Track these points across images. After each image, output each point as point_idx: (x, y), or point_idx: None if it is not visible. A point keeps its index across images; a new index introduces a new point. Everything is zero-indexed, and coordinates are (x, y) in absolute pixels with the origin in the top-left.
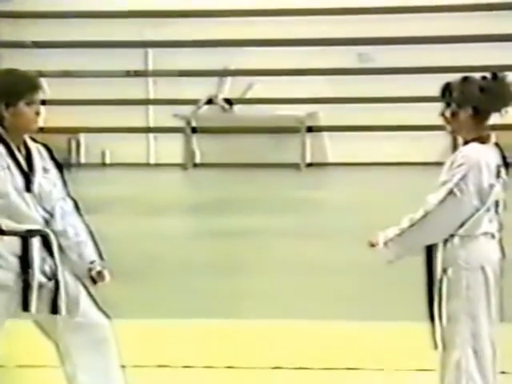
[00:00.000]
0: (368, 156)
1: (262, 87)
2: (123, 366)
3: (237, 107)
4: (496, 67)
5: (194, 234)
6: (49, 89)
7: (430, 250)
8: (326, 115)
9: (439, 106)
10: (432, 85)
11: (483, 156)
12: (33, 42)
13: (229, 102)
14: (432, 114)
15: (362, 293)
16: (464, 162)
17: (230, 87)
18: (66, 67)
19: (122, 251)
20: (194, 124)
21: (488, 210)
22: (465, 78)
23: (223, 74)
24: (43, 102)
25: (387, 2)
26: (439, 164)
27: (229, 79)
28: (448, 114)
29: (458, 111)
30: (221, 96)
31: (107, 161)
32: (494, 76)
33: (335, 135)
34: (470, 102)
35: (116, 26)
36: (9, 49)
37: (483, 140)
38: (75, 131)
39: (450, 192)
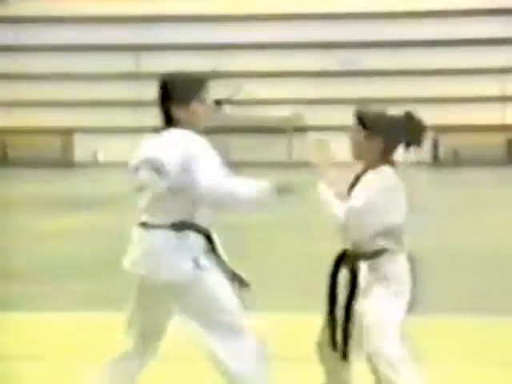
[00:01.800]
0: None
1: (251, 88)
2: None
3: (226, 107)
4: (471, 69)
5: None
6: (43, 90)
7: None
8: (311, 115)
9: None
10: (408, 86)
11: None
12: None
13: (218, 102)
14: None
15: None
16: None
17: (220, 89)
18: (59, 69)
19: (115, 246)
20: None
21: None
22: (378, 112)
23: (212, 75)
24: (35, 104)
25: (369, 7)
26: (419, 164)
27: (217, 81)
28: (361, 138)
29: (371, 138)
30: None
31: (100, 159)
32: (407, 115)
33: (321, 135)
34: (382, 133)
35: (109, 29)
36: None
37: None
38: (69, 131)
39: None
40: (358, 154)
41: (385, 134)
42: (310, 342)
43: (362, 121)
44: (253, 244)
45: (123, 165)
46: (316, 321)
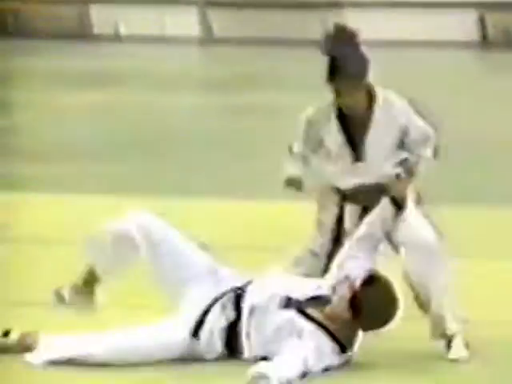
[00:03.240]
0: (393, 33)
1: None
2: None
3: None
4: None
5: (210, 110)
6: None
7: None
8: None
9: None
10: None
11: None
12: None
13: None
14: None
15: None
16: None
17: None
18: None
19: (136, 126)
20: None
21: None
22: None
23: None
24: None
25: None
26: (463, 43)
27: None
28: None
29: None
30: None
31: (121, 32)
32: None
33: (355, 11)
34: None
35: None
36: None
37: None
38: (86, 1)
39: None
40: None
41: None
42: None
43: None
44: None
45: (146, 39)
46: None
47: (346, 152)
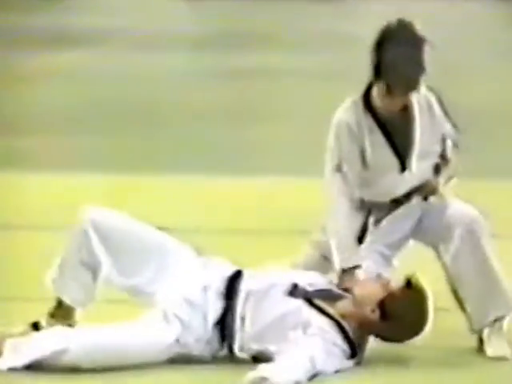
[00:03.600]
0: None
1: None
2: None
3: None
4: None
5: (199, 73)
6: None
7: None
8: None
9: None
10: None
11: None
12: None
13: None
14: None
15: None
16: None
17: None
18: None
19: (120, 94)
20: None
21: None
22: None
23: None
24: None
25: None
26: None
27: None
28: None
29: None
30: None
31: None
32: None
33: None
34: None
35: None
36: None
37: None
38: None
39: None
40: None
41: None
42: None
43: None
44: (292, 94)
45: None
46: None
47: (394, 163)
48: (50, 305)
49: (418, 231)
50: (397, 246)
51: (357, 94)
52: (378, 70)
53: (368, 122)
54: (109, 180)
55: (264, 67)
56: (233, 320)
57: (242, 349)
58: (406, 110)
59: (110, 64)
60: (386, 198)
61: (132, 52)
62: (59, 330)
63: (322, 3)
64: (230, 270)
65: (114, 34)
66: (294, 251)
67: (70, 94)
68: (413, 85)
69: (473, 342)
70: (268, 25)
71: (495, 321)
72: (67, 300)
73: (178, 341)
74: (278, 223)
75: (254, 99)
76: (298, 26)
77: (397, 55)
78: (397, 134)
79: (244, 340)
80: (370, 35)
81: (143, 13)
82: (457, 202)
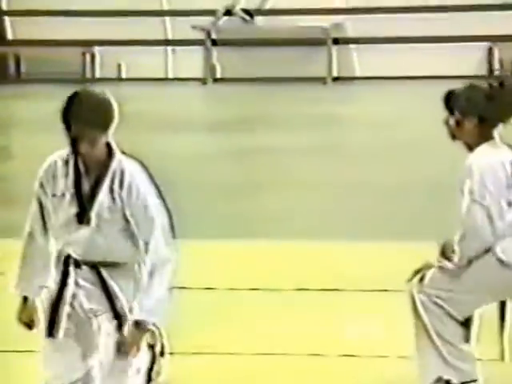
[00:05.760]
0: (399, 69)
1: None
2: None
3: (258, 18)
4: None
5: (214, 153)
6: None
7: None
8: (353, 26)
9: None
10: None
11: (495, 157)
12: None
13: (249, 13)
14: (463, 24)
15: (385, 212)
16: (476, 168)
17: None
18: None
19: None
20: (213, 36)
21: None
22: (470, 86)
23: None
24: (54, 13)
25: None
26: (473, 77)
27: None
28: (452, 122)
29: (463, 120)
30: (240, 6)
31: (123, 75)
32: (501, 84)
33: (364, 47)
34: (476, 111)
35: None
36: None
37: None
38: (90, 43)
39: (475, 202)
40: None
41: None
42: None
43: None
44: (296, 169)
45: (148, 81)
46: None
47: None
48: None
49: None
50: None
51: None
52: None
53: None
54: None
55: (269, 146)
56: None
57: None
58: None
59: (132, 144)
60: None
61: (151, 133)
62: None
63: (320, 89)
64: None
65: (135, 117)
66: None
67: None
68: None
69: None
70: (273, 109)
71: None
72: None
73: None
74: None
75: (261, 174)
76: (300, 109)
77: None
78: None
79: None
80: (358, 115)
81: (163, 98)
82: None
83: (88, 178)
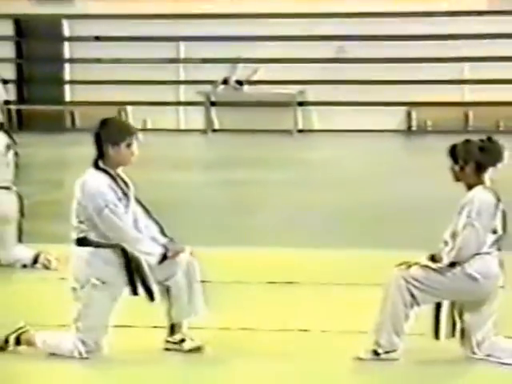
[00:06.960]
0: (345, 124)
1: (265, 71)
2: None
3: (246, 87)
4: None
5: (212, 183)
6: (104, 72)
7: None
8: (312, 93)
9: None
10: (386, 72)
11: (491, 198)
12: (95, 37)
13: (239, 82)
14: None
15: (339, 226)
16: (477, 200)
17: (241, 71)
18: (117, 55)
19: (156, 196)
20: (213, 99)
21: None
22: (467, 141)
23: (235, 61)
24: (98, 82)
25: (360, 8)
26: (396, 131)
27: (240, 65)
28: (457, 168)
29: (465, 166)
30: (233, 78)
31: (148, 126)
32: (489, 138)
33: (320, 108)
34: (474, 159)
35: (157, 24)
36: (76, 42)
37: (484, 185)
38: (124, 104)
39: (471, 223)
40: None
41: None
42: None
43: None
44: (273, 195)
45: (165, 131)
46: None
47: None
48: None
49: None
50: None
51: (307, 193)
52: None
53: None
54: None
55: (252, 179)
56: None
57: None
58: None
59: (151, 178)
60: None
61: (165, 170)
62: None
63: (288, 138)
64: None
65: (156, 159)
66: None
67: None
68: None
69: None
70: (255, 152)
71: None
72: None
73: None
74: None
75: (247, 198)
76: (274, 152)
77: None
78: None
79: None
80: (316, 158)
81: (177, 143)
82: None
83: None
